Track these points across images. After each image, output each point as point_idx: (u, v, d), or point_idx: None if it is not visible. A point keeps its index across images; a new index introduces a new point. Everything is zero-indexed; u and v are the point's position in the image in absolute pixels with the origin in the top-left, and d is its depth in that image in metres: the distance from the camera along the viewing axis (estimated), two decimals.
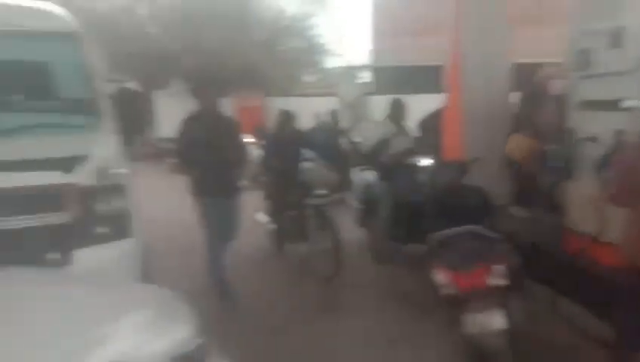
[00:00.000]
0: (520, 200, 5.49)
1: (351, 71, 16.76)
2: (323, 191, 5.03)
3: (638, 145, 2.63)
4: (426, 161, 5.27)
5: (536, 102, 5.42)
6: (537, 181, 5.14)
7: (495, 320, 2.76)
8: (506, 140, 5.70)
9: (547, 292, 3.81)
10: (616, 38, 3.75)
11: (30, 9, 3.59)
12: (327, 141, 7.79)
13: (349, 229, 5.64)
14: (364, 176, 5.75)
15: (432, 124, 6.67)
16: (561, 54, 4.70)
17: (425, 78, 9.47)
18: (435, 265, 3.00)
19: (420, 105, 7.31)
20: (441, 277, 2.89)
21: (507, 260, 2.94)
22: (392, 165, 4.95)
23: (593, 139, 3.86)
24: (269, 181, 6.25)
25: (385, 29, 16.14)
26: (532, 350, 3.14)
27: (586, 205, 3.76)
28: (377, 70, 16.40)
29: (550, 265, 3.92)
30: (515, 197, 5.62)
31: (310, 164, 5.67)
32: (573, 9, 4.28)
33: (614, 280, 2.63)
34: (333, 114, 8.27)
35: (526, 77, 5.97)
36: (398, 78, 10.69)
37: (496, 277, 2.81)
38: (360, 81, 16.34)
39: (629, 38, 3.63)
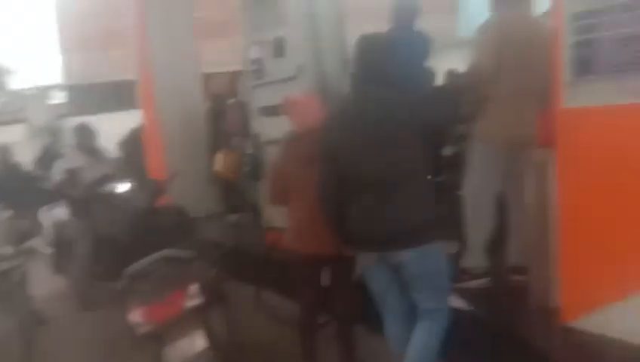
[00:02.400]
0: (231, 209, 5.65)
1: (40, 92, 14.82)
2: (7, 251, 4.11)
3: (284, 151, 2.89)
4: (124, 187, 4.86)
5: (219, 112, 5.61)
6: (243, 188, 5.36)
7: (195, 343, 2.66)
8: (206, 149, 5.79)
9: (253, 290, 3.93)
10: (279, 48, 4.08)
11: None
12: (6, 182, 6.56)
13: (45, 279, 4.82)
14: (54, 215, 5.01)
15: (132, 143, 6.31)
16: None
17: (122, 94, 8.95)
18: (129, 303, 2.71)
19: (120, 124, 6.85)
20: (135, 315, 2.62)
21: (203, 276, 2.85)
22: (85, 197, 4.38)
23: (275, 142, 4.14)
24: None
25: (72, 45, 14.71)
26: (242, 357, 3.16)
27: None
28: (70, 89, 14.86)
29: (253, 264, 4.09)
30: (227, 206, 5.77)
31: None
32: (244, 20, 4.49)
33: (291, 266, 2.87)
34: (3, 150, 6.86)
35: (214, 87, 6.14)
36: (94, 95, 9.82)
37: (192, 298, 2.70)
38: (51, 102, 14.56)
39: (289, 47, 3.99)
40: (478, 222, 3.11)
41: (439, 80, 4.48)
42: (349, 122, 2.34)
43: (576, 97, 2.08)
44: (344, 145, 2.32)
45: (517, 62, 2.83)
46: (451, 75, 5.30)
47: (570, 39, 2.04)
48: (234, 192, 5.58)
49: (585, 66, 2.02)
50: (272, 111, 4.23)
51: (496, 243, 3.19)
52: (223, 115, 5.59)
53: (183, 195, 5.25)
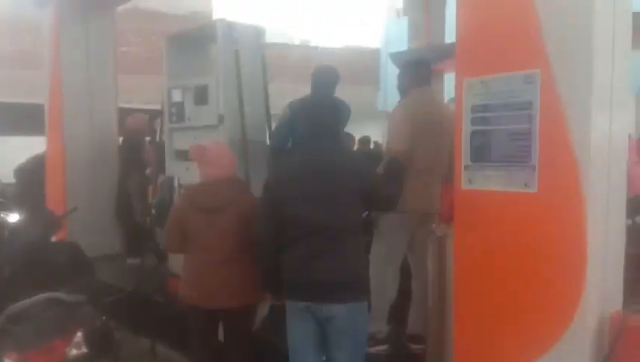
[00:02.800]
0: (133, 251, 5.38)
1: None
2: None
3: (187, 198, 2.91)
4: (15, 217, 4.51)
5: (135, 148, 5.46)
6: (148, 230, 5.15)
7: None
8: (112, 185, 5.52)
9: (148, 342, 3.72)
10: (201, 95, 4.10)
11: None
12: None
13: None
14: None
15: (31, 171, 5.90)
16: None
17: (28, 117, 8.29)
18: (2, 348, 2.46)
19: (21, 149, 6.38)
20: None
21: (91, 323, 2.67)
22: None
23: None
24: None
25: None
26: None
27: None
28: None
29: (151, 313, 3.89)
30: (129, 247, 5.49)
31: None
32: (167, 63, 4.48)
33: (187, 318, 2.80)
34: None
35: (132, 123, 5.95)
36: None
37: (76, 346, 2.52)
38: None
39: (212, 96, 4.02)
40: (382, 288, 3.21)
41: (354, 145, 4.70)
42: (296, 173, 2.45)
43: (473, 180, 2.28)
44: (290, 194, 2.40)
45: (427, 142, 3.09)
46: (363, 142, 5.60)
47: (469, 128, 2.26)
48: (138, 233, 5.35)
49: (481, 154, 2.23)
50: (187, 155, 4.18)
51: (398, 310, 3.30)
52: (138, 152, 5.44)
53: (81, 232, 4.96)
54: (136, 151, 5.44)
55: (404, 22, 8.77)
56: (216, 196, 2.75)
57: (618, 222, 2.13)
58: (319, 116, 2.49)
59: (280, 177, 2.53)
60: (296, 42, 18.70)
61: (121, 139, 5.82)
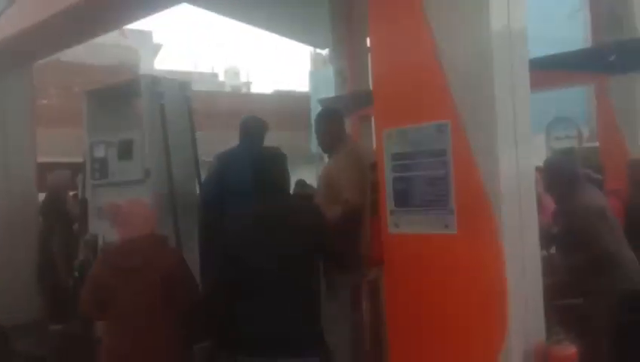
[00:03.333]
0: (56, 317, 5.02)
1: None
2: None
3: (104, 260, 2.81)
4: None
5: (57, 203, 5.21)
6: (71, 294, 4.85)
7: None
8: (32, 244, 5.19)
9: None
10: (126, 150, 4.00)
11: None
12: None
13: None
14: None
15: None
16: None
17: None
18: None
19: None
20: None
21: None
22: None
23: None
24: None
25: None
26: None
27: None
28: None
29: None
30: (51, 312, 5.13)
31: None
32: (88, 118, 4.36)
33: None
34: None
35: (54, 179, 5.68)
36: None
37: None
38: None
39: (137, 150, 3.93)
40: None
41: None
42: (249, 224, 2.46)
43: (398, 224, 2.36)
44: (244, 245, 2.40)
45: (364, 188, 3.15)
46: (300, 185, 5.66)
47: (390, 174, 2.36)
48: (61, 296, 5.01)
49: (403, 199, 2.32)
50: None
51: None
52: (62, 207, 5.19)
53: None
54: (61, 207, 5.19)
55: (330, 69, 9.13)
56: (131, 255, 2.63)
57: (534, 255, 2.26)
58: (262, 172, 2.53)
59: (232, 230, 2.51)
60: (227, 89, 18.86)
61: (42, 195, 5.53)
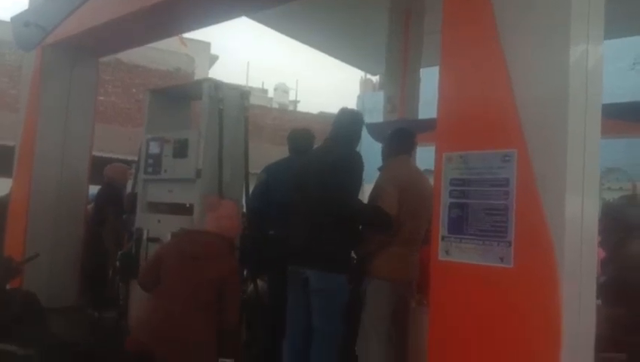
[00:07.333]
0: (94, 304, 5.15)
1: None
2: None
3: (171, 242, 2.95)
4: None
5: (114, 195, 5.37)
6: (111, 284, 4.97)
7: None
8: (77, 232, 5.33)
9: None
10: (181, 149, 4.10)
11: None
12: None
13: None
14: None
15: None
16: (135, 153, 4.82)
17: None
18: None
19: None
20: None
21: None
22: None
23: (156, 240, 3.97)
24: None
25: None
26: None
27: None
28: None
29: None
30: (90, 300, 5.25)
31: None
32: (149, 116, 4.50)
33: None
34: None
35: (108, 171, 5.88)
36: None
37: None
38: None
39: (192, 150, 4.03)
40: (365, 357, 3.13)
41: None
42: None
43: (449, 252, 2.31)
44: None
45: (417, 213, 3.13)
46: None
47: (447, 199, 2.32)
48: (100, 286, 5.13)
49: (458, 226, 2.27)
50: (160, 208, 4.12)
51: None
52: (118, 199, 5.34)
53: (40, 280, 4.73)
54: (116, 199, 5.34)
55: (379, 95, 9.15)
56: (196, 245, 2.76)
57: (589, 302, 2.17)
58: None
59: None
60: (275, 105, 19.17)
61: (93, 187, 5.73)
